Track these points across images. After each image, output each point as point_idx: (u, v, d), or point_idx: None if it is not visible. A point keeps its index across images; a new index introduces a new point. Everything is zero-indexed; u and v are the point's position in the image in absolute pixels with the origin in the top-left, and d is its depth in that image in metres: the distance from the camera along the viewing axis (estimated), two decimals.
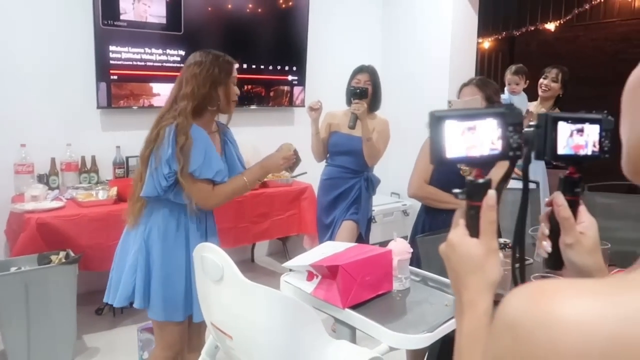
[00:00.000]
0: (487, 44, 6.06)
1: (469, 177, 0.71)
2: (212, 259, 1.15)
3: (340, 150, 2.83)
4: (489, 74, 6.18)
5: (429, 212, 2.16)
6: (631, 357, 0.34)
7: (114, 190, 2.90)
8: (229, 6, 3.65)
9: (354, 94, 2.61)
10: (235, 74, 1.86)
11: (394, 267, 1.43)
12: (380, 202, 4.00)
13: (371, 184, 2.89)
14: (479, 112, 0.70)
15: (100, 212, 2.75)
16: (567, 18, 5.47)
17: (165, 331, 1.86)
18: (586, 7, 5.30)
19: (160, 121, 1.78)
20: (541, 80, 3.50)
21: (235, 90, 1.87)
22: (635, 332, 0.35)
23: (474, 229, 0.69)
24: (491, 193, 0.69)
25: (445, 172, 2.00)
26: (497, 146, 0.69)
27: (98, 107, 3.28)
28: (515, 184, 3.28)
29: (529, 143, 0.78)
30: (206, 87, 1.77)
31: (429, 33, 4.14)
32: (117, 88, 3.31)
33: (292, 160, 1.97)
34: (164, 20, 3.39)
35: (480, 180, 0.70)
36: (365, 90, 2.65)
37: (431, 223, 2.12)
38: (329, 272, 1.35)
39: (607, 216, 2.70)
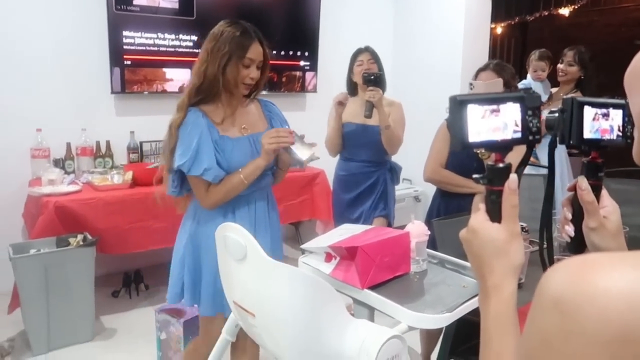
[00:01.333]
0: (499, 29, 5.99)
1: (489, 162, 0.71)
2: (235, 238, 1.17)
3: (357, 142, 2.61)
4: (501, 60, 6.12)
5: (444, 196, 2.17)
6: None
7: (129, 175, 2.93)
8: None
9: (368, 80, 2.44)
10: (251, 54, 1.67)
11: (412, 249, 1.44)
12: None
13: (395, 174, 2.74)
14: (499, 96, 0.71)
15: (116, 196, 2.79)
16: (582, 3, 5.39)
17: (213, 325, 1.74)
18: None
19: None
20: (558, 65, 3.38)
21: (249, 73, 1.68)
22: None
23: (495, 214, 0.69)
24: (513, 177, 0.69)
25: (460, 157, 2.00)
26: (518, 130, 0.70)
27: (112, 92, 3.31)
28: (529, 170, 3.26)
29: (553, 128, 0.79)
30: (215, 68, 1.63)
31: (441, 18, 4.11)
32: (131, 73, 3.32)
33: (279, 140, 1.68)
34: (176, 5, 3.39)
35: (501, 165, 0.71)
36: (380, 76, 2.48)
37: (446, 207, 2.13)
38: (347, 253, 1.37)
39: (622, 202, 2.69)
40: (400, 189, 4.24)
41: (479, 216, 0.70)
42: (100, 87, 3.28)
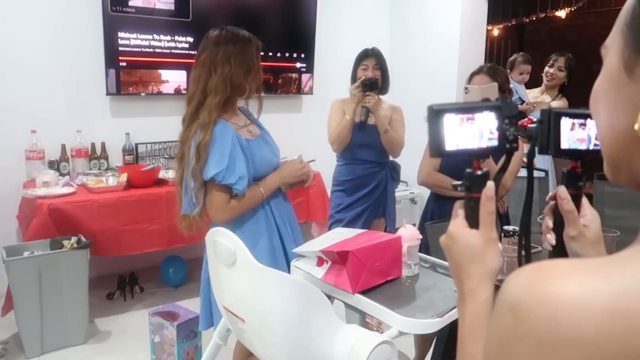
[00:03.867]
0: (496, 31, 6.00)
1: (467, 170, 0.73)
2: (224, 243, 1.16)
3: (359, 142, 2.57)
4: (497, 62, 6.13)
5: (438, 199, 2.17)
6: (624, 329, 0.36)
7: (124, 177, 2.93)
8: None
9: (364, 85, 2.48)
10: (260, 58, 1.72)
11: (403, 254, 1.44)
12: None
13: (396, 173, 2.73)
14: (476, 105, 0.73)
15: (110, 198, 2.78)
16: (578, 5, 5.40)
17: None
18: None
19: (188, 129, 1.64)
20: (547, 68, 3.46)
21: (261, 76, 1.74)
22: (627, 306, 0.36)
23: (473, 220, 0.71)
24: (490, 184, 0.71)
25: (454, 160, 2.00)
26: (494, 138, 0.71)
27: (107, 94, 3.30)
28: (524, 173, 3.25)
29: (532, 138, 0.80)
30: (240, 76, 1.62)
31: (438, 20, 4.11)
32: (126, 75, 3.32)
33: (308, 174, 1.84)
34: (172, 7, 3.39)
35: (479, 172, 0.72)
36: (376, 82, 2.51)
37: (440, 210, 2.13)
38: (339, 257, 1.36)
39: (616, 205, 2.70)
40: (397, 191, 4.22)
41: (457, 222, 0.72)
42: (96, 88, 3.27)
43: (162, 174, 3.12)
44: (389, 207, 2.71)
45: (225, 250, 1.15)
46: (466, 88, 2.03)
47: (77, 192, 2.83)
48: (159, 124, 3.46)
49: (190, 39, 3.46)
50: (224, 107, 1.65)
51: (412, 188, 4.27)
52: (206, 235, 1.26)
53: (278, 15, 3.87)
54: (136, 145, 3.41)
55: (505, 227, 1.72)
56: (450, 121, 0.70)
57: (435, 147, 0.70)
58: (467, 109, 0.71)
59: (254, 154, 1.68)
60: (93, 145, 3.26)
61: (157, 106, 3.50)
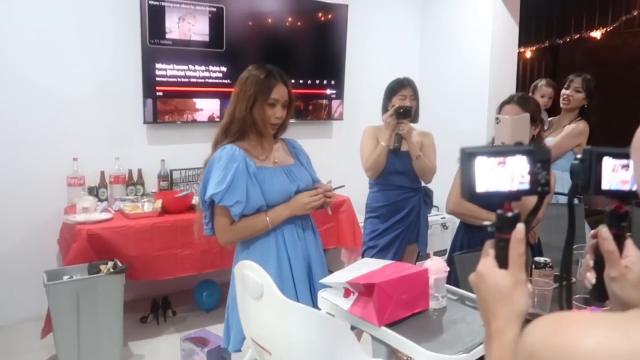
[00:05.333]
0: (529, 53, 5.93)
1: (498, 211, 0.73)
2: (252, 276, 1.19)
3: (392, 169, 2.61)
4: (530, 85, 6.04)
5: (468, 228, 2.15)
6: None
7: (159, 203, 3.01)
8: (269, 20, 3.74)
9: (399, 114, 2.51)
10: (276, 95, 1.76)
11: (431, 286, 1.43)
12: None
13: (429, 198, 2.76)
14: (509, 149, 0.74)
15: (145, 223, 2.86)
16: (614, 25, 5.30)
17: None
18: (634, 13, 5.13)
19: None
20: (563, 90, 3.25)
21: (275, 112, 1.77)
22: None
23: (502, 261, 0.72)
24: (520, 226, 0.72)
25: None
26: (526, 182, 0.72)
27: (144, 122, 3.42)
28: (561, 199, 3.13)
29: (574, 176, 0.80)
30: (242, 110, 1.74)
31: (468, 45, 4.10)
32: (163, 104, 3.44)
33: (320, 199, 1.81)
34: (207, 38, 3.51)
35: (509, 214, 0.73)
36: (410, 110, 2.55)
37: (470, 240, 2.10)
38: (365, 289, 1.37)
39: None
40: (428, 216, 4.19)
41: (487, 261, 0.73)
42: (134, 117, 3.40)
43: (195, 200, 3.20)
44: (422, 232, 2.72)
45: (253, 284, 1.18)
46: (497, 118, 2.02)
47: (114, 218, 2.92)
48: (193, 150, 3.54)
49: (224, 69, 3.57)
50: (242, 137, 1.78)
51: (443, 213, 4.21)
52: (235, 266, 1.29)
53: (309, 43, 3.95)
54: (171, 171, 3.51)
55: (537, 259, 1.69)
56: (481, 164, 0.71)
57: (467, 188, 0.72)
58: (498, 152, 0.73)
59: (265, 181, 1.74)
60: (130, 171, 3.38)
61: (192, 133, 3.61)
